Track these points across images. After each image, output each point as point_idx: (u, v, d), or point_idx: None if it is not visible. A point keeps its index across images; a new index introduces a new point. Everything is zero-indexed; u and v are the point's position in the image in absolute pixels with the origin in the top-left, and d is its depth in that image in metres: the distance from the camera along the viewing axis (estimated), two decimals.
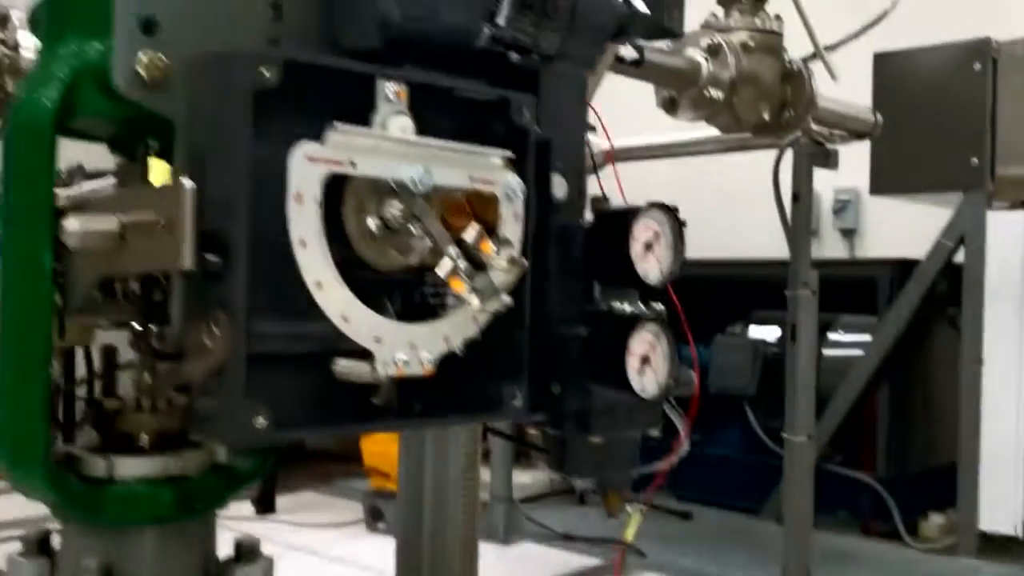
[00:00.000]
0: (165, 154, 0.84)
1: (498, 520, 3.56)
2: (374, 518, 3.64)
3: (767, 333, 3.87)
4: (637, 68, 2.17)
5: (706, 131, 2.83)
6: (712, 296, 3.05)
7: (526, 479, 4.00)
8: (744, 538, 3.55)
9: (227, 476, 0.87)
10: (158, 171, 0.87)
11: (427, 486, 1.95)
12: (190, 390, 0.86)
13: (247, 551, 0.86)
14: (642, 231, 0.88)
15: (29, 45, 2.97)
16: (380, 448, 3.75)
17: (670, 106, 2.49)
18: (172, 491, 0.81)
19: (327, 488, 4.22)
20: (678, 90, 2.41)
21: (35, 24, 0.98)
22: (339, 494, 4.14)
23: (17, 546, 0.86)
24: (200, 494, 0.83)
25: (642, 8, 0.97)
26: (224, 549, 0.89)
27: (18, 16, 3.01)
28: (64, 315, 0.82)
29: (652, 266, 0.89)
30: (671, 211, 0.90)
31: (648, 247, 0.88)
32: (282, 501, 3.84)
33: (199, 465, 0.85)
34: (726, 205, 4.56)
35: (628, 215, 0.87)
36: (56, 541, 0.86)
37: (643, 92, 2.48)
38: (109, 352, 0.87)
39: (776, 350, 3.77)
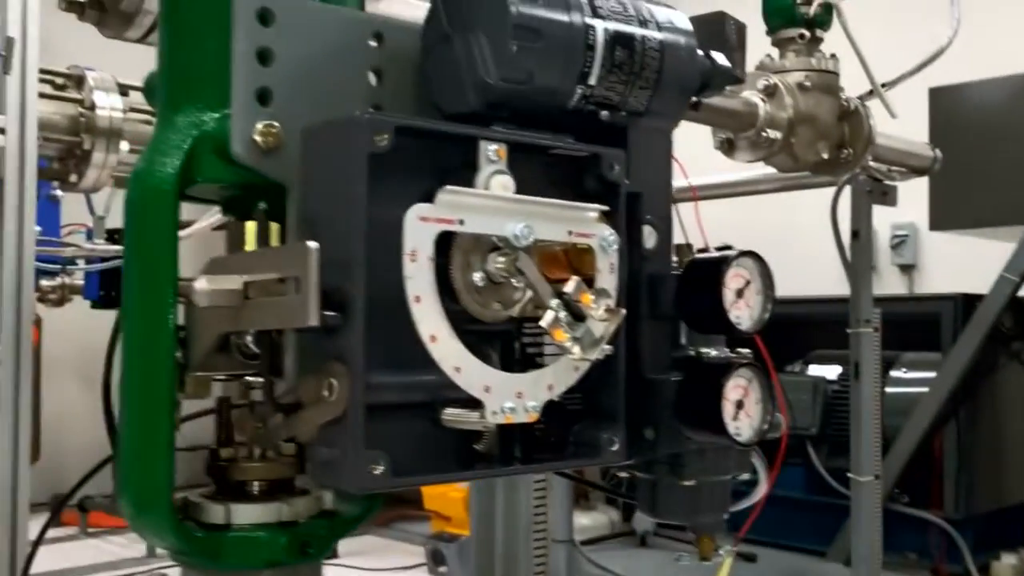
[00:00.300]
0: (273, 215, 0.89)
1: (559, 563, 3.54)
2: (436, 562, 3.64)
3: (827, 371, 3.83)
4: (695, 112, 2.21)
5: (763, 169, 2.85)
6: (769, 335, 3.04)
7: (586, 521, 3.99)
8: None
9: (334, 521, 0.90)
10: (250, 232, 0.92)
11: (498, 536, 1.96)
12: (296, 439, 0.90)
13: None
14: (733, 279, 0.90)
15: (104, 104, 3.11)
16: (440, 491, 3.77)
17: (727, 148, 2.52)
18: (287, 536, 0.85)
19: (387, 531, 4.25)
20: (735, 132, 2.44)
21: (150, 93, 1.05)
22: (399, 537, 4.17)
23: None
24: (311, 539, 0.87)
25: (723, 62, 1.00)
26: None
27: (93, 76, 3.15)
28: (185, 370, 0.87)
29: (743, 313, 0.91)
30: (760, 258, 0.92)
31: (739, 294, 0.91)
32: (342, 545, 3.86)
33: (309, 511, 0.89)
34: (779, 242, 4.55)
35: (719, 263, 0.90)
36: None
37: (697, 133, 2.51)
38: (223, 402, 0.92)
39: (837, 388, 3.73)
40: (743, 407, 0.89)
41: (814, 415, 3.67)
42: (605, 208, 0.87)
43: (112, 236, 4.09)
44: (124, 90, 3.14)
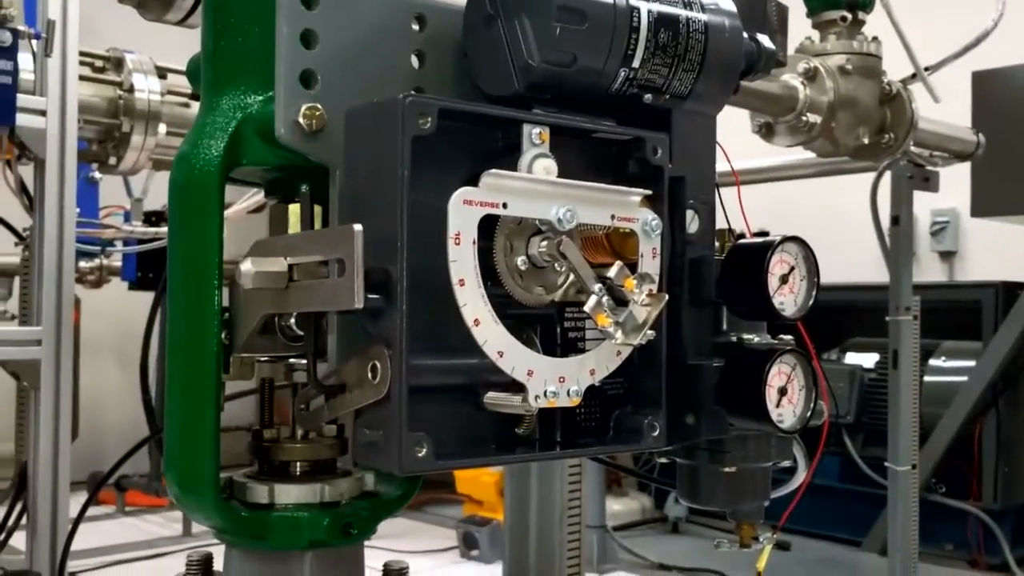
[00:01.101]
0: (316, 197, 0.89)
1: (591, 548, 3.55)
2: (468, 546, 3.67)
3: (864, 359, 3.79)
4: (734, 95, 2.18)
5: (802, 154, 2.81)
6: (806, 321, 3.01)
7: (618, 507, 3.98)
8: (846, 570, 3.47)
9: (376, 502, 0.91)
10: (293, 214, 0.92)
11: (532, 521, 1.96)
12: (337, 420, 0.90)
13: (397, 575, 0.90)
14: (777, 265, 0.89)
15: (143, 87, 3.14)
16: (473, 475, 3.78)
17: (766, 132, 2.49)
18: (329, 516, 0.85)
19: (419, 514, 4.28)
20: (774, 116, 2.41)
21: (192, 76, 1.05)
22: (431, 521, 4.19)
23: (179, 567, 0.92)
24: (354, 520, 0.87)
25: (769, 45, 0.99)
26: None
27: (132, 59, 3.18)
28: (230, 352, 0.87)
29: (787, 299, 0.90)
30: (805, 244, 0.91)
31: (783, 280, 0.90)
32: None
33: (351, 492, 0.89)
34: (817, 228, 4.50)
35: (764, 250, 0.89)
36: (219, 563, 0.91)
37: (734, 117, 2.49)
38: (267, 384, 0.92)
39: (874, 377, 3.69)
40: (786, 394, 0.88)
41: (851, 403, 3.64)
42: (648, 192, 0.86)
43: (150, 218, 4.14)
44: (162, 72, 3.17)
